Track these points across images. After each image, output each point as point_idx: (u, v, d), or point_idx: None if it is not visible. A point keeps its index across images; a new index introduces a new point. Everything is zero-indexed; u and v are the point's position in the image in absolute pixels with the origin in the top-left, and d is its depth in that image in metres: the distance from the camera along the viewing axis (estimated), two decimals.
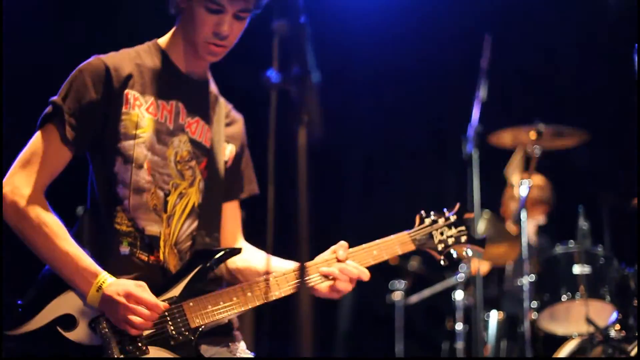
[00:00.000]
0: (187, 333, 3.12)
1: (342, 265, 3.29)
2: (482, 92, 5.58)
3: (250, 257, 3.54)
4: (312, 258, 3.31)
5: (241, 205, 3.74)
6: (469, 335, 7.02)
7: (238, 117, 3.68)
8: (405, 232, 3.46)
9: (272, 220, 2.32)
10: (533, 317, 5.93)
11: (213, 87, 3.58)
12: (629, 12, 7.37)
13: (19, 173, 3.18)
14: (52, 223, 3.14)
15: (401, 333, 7.75)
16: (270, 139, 2.31)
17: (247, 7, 3.26)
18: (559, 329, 6.00)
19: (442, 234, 3.50)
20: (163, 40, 3.48)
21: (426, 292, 7.81)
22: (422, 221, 3.51)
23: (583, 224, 6.15)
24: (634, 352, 5.23)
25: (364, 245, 3.40)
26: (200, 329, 3.15)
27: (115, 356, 3.01)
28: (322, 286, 3.30)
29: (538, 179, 7.21)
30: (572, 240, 6.14)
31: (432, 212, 3.54)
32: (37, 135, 3.23)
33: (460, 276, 7.15)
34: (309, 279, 3.26)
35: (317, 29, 2.36)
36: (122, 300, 3.02)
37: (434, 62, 8.16)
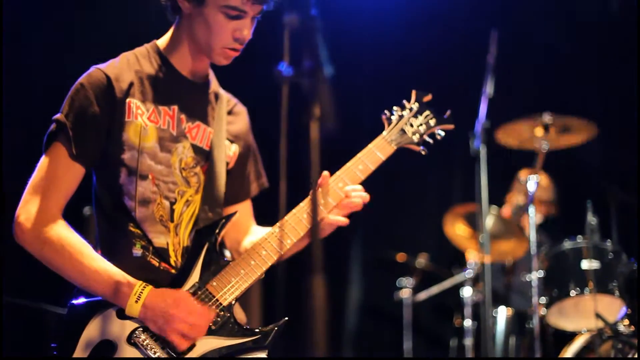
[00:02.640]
0: (222, 312, 3.12)
1: (347, 189, 3.36)
2: (489, 88, 5.56)
3: (258, 236, 3.48)
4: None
5: (252, 201, 3.73)
6: (478, 332, 7.02)
7: (241, 111, 3.65)
8: (379, 137, 3.50)
9: (284, 215, 2.31)
10: (542, 313, 5.91)
11: (214, 85, 3.54)
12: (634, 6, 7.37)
13: (32, 199, 3.12)
14: (75, 243, 3.10)
15: (409, 330, 7.73)
16: (282, 133, 2.30)
17: (264, 9, 3.24)
18: (568, 325, 5.98)
19: (411, 125, 3.56)
20: (162, 43, 3.43)
21: (434, 289, 7.79)
22: (389, 121, 3.55)
23: (591, 219, 6.14)
24: None
25: (348, 164, 3.41)
26: (233, 304, 3.15)
27: None
28: (328, 218, 3.34)
29: (542, 179, 7.20)
30: (580, 236, 6.12)
31: (394, 109, 3.58)
32: (45, 157, 3.18)
33: (468, 272, 7.15)
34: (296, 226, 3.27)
35: (328, 22, 2.35)
36: (175, 312, 3.00)
37: (441, 57, 8.14)
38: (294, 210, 3.27)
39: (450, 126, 3.64)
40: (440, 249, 8.06)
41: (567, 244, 6.07)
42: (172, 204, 3.27)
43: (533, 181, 5.97)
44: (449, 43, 8.14)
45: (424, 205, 8.61)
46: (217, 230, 3.27)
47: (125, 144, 3.20)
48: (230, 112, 3.58)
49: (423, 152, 3.57)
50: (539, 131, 6.22)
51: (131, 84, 3.25)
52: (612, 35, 7.89)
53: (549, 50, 8.22)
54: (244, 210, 3.65)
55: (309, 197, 3.24)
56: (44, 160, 3.18)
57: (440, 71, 8.15)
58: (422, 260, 7.85)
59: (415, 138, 3.55)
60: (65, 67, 3.32)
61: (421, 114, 3.60)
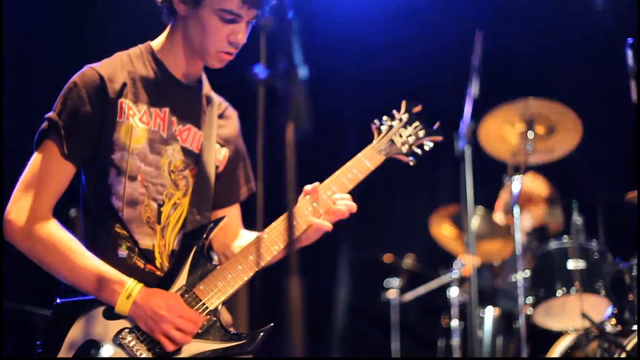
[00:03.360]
0: (209, 316, 3.13)
1: (334, 197, 3.36)
2: (473, 89, 5.56)
3: (246, 241, 3.51)
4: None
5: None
6: (465, 332, 7.03)
7: (232, 115, 3.66)
8: (369, 147, 3.51)
9: (262, 216, 2.32)
10: (528, 313, 5.92)
11: (206, 88, 3.55)
12: (618, 8, 7.38)
13: (22, 197, 3.14)
14: (66, 240, 3.11)
15: (397, 331, 7.74)
16: (258, 135, 2.30)
17: (259, 13, 3.24)
18: (554, 324, 5.99)
19: (401, 136, 3.58)
20: (156, 44, 3.44)
21: (421, 290, 7.80)
22: (379, 131, 3.57)
23: (577, 218, 6.15)
24: (630, 346, 5.23)
25: (337, 172, 3.42)
26: (219, 308, 3.15)
27: None
28: (314, 223, 3.33)
29: (535, 180, 7.20)
30: (566, 236, 6.13)
31: (383, 118, 3.60)
32: (36, 155, 3.19)
33: (455, 273, 7.16)
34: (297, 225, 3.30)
35: (305, 24, 2.35)
36: (164, 313, 3.01)
37: (425, 58, 8.14)
38: (282, 217, 3.27)
39: (439, 138, 3.67)
40: (427, 250, 8.06)
41: (553, 244, 6.08)
42: (160, 206, 3.28)
43: (517, 182, 5.96)
44: (433, 43, 8.15)
45: (411, 206, 8.63)
46: (204, 234, 3.28)
47: (116, 144, 3.21)
48: (221, 116, 3.59)
49: (411, 163, 3.61)
50: (521, 128, 6.18)
51: (124, 85, 3.26)
52: (598, 34, 7.91)
53: (534, 51, 8.23)
54: (232, 214, 3.65)
55: (295, 204, 3.30)
56: (35, 158, 3.19)
57: (424, 71, 8.15)
58: (409, 261, 7.86)
59: (404, 149, 3.58)
60: (64, 67, 3.31)
61: (410, 125, 3.63)
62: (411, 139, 3.59)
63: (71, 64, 3.35)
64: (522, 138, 6.16)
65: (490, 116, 6.19)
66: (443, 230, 7.38)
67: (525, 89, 7.05)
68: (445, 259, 7.60)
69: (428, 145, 3.63)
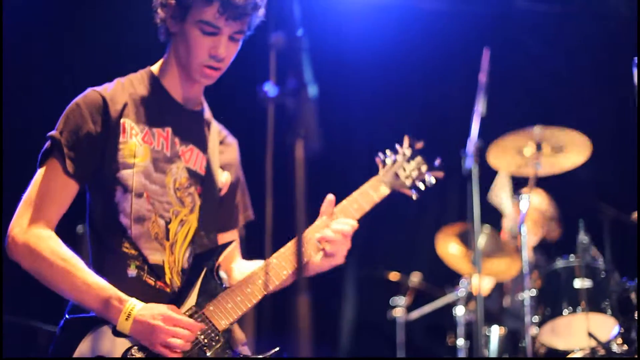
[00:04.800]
0: (217, 337, 3.14)
1: (334, 227, 3.36)
2: (481, 107, 5.56)
3: (249, 266, 3.57)
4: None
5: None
6: (471, 351, 7.00)
7: (232, 143, 3.69)
8: (374, 178, 3.57)
9: (270, 234, 2.32)
10: (534, 332, 5.91)
11: (207, 114, 3.58)
12: (627, 24, 7.39)
13: (25, 214, 3.16)
14: (67, 257, 3.11)
15: (402, 349, 7.72)
16: (267, 153, 2.31)
17: (242, 28, 3.28)
18: (560, 344, 5.97)
19: (404, 169, 3.63)
20: (156, 68, 3.48)
21: (427, 308, 7.78)
22: (384, 164, 3.62)
23: (583, 237, 6.14)
24: None
25: (344, 202, 3.46)
26: (228, 330, 3.17)
27: None
28: (316, 258, 3.37)
29: (540, 197, 7.21)
30: (572, 254, 6.12)
31: (387, 152, 3.65)
32: (39, 173, 3.21)
33: (461, 291, 7.14)
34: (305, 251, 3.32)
35: (315, 42, 2.36)
36: (159, 324, 3.01)
37: (433, 76, 8.16)
38: (290, 242, 3.30)
39: (441, 174, 3.73)
40: (433, 268, 8.04)
41: (560, 263, 6.07)
42: (167, 223, 3.29)
43: (525, 200, 5.96)
44: (441, 62, 8.16)
45: (417, 224, 8.61)
46: (215, 256, 3.31)
47: (120, 162, 3.22)
48: (221, 142, 3.61)
49: (414, 197, 3.67)
50: (529, 150, 6.20)
51: (125, 105, 3.29)
52: (606, 52, 7.91)
53: (542, 69, 8.24)
54: (230, 239, 3.65)
55: (307, 231, 3.34)
56: (38, 175, 3.21)
57: (432, 90, 8.17)
58: (415, 279, 7.84)
59: (408, 182, 3.64)
60: (65, 82, 3.35)
61: (413, 159, 3.69)
62: (414, 174, 3.65)
63: (73, 83, 3.37)
64: (530, 158, 6.18)
65: (497, 144, 6.22)
66: (450, 249, 7.37)
67: (533, 107, 7.07)
68: (452, 278, 7.58)
69: (430, 181, 3.69)
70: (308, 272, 3.38)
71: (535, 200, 7.11)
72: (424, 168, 3.68)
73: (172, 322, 3.03)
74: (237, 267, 3.63)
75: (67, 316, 3.16)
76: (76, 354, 3.03)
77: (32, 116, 6.08)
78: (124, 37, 6.61)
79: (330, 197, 3.42)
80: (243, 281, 3.26)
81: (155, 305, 3.08)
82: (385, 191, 3.55)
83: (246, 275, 3.31)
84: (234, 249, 3.69)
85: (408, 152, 3.67)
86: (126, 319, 3.02)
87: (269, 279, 3.25)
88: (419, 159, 3.69)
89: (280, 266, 3.27)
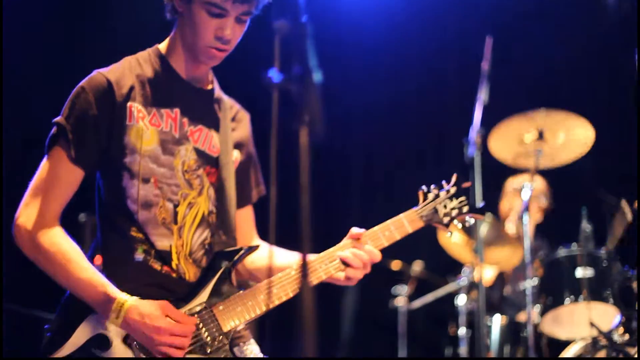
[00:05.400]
0: (221, 337, 3.15)
1: (354, 250, 3.34)
2: (483, 95, 5.55)
3: (268, 255, 3.55)
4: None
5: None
6: (472, 340, 7.01)
7: (244, 117, 3.66)
8: (412, 210, 3.52)
9: (275, 221, 2.31)
10: (536, 321, 5.91)
11: (217, 91, 3.55)
12: (630, 13, 7.36)
13: (31, 202, 3.16)
14: (67, 250, 3.12)
15: (404, 338, 7.73)
16: (272, 139, 2.30)
17: (249, 10, 3.24)
18: (562, 333, 5.98)
19: (445, 206, 3.57)
20: (163, 46, 3.45)
21: (429, 297, 7.79)
22: (425, 197, 3.57)
23: (586, 226, 6.14)
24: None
25: (376, 228, 3.44)
26: (232, 332, 3.18)
27: None
28: (339, 274, 3.35)
29: (540, 184, 7.19)
30: (575, 243, 6.12)
31: (432, 186, 3.60)
32: (45, 160, 3.21)
33: (463, 280, 7.14)
34: (328, 267, 3.32)
35: (318, 29, 2.35)
36: (155, 337, 3.01)
37: (435, 64, 8.16)
38: (321, 255, 3.32)
39: (481, 217, 3.70)
40: (435, 257, 8.04)
41: (562, 252, 6.07)
42: (176, 206, 3.29)
43: (527, 189, 5.96)
44: (443, 49, 8.15)
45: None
46: (235, 258, 3.32)
47: (127, 147, 3.22)
48: (233, 119, 3.59)
49: (448, 235, 3.64)
50: (530, 137, 6.20)
51: (132, 88, 3.27)
52: (608, 40, 7.90)
53: (544, 57, 8.22)
54: (245, 216, 3.67)
55: (331, 250, 3.35)
56: (44, 163, 3.22)
57: (434, 78, 8.15)
58: (417, 268, 7.85)
59: (445, 220, 3.57)
60: (67, 69, 3.33)
61: (457, 198, 3.61)
62: (454, 212, 3.58)
63: (78, 67, 3.36)
64: (533, 144, 6.17)
65: (499, 127, 6.20)
66: (451, 238, 7.36)
67: (535, 95, 7.04)
68: (454, 267, 7.58)
69: (469, 222, 3.63)
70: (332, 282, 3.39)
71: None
72: (465, 209, 3.60)
73: (170, 332, 3.03)
74: (251, 258, 3.58)
75: (68, 295, 3.18)
76: (80, 329, 3.06)
77: (36, 100, 6.08)
78: (130, 15, 6.60)
79: (362, 230, 3.42)
80: (258, 287, 3.26)
81: (144, 305, 3.06)
82: (419, 224, 3.51)
83: (263, 282, 3.32)
84: (249, 227, 3.69)
85: (453, 190, 3.60)
86: (116, 317, 3.03)
87: (285, 290, 3.24)
88: (462, 198, 3.61)
89: (298, 279, 3.22)
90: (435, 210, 3.55)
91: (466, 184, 3.64)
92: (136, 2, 6.53)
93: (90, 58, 3.41)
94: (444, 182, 3.63)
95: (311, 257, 3.31)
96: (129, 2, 6.75)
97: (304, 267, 2.02)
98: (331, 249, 3.34)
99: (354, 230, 3.40)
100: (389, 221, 3.47)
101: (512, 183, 7.26)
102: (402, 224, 3.47)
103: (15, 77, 6.08)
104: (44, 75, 6.37)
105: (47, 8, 6.53)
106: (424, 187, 3.59)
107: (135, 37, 3.78)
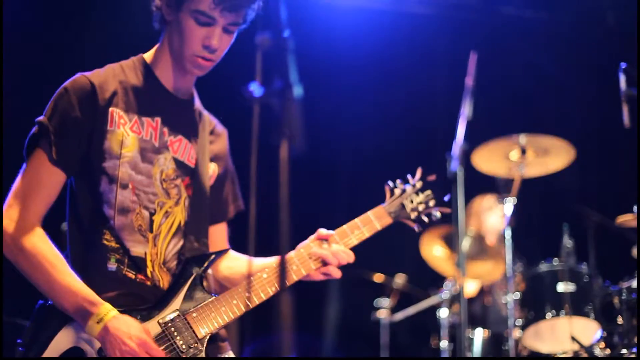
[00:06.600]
0: (195, 344, 3.15)
1: (334, 249, 3.37)
2: (467, 110, 5.57)
3: (236, 264, 3.57)
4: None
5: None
6: (454, 353, 7.01)
7: (222, 132, 3.66)
8: (379, 206, 3.54)
9: (254, 234, 2.32)
10: (517, 335, 5.93)
11: (197, 104, 3.55)
12: (613, 30, 7.42)
13: (13, 205, 3.15)
14: (48, 255, 3.10)
15: (386, 351, 7.73)
16: (252, 153, 2.31)
17: (236, 20, 3.26)
18: (543, 347, 6.00)
19: (412, 201, 3.60)
20: (148, 56, 3.45)
21: (411, 310, 7.79)
22: (392, 192, 3.60)
23: (567, 242, 6.17)
24: None
25: (344, 227, 3.47)
26: (207, 338, 3.17)
27: None
28: (314, 271, 3.39)
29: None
30: (556, 258, 6.15)
31: (398, 181, 3.63)
32: (27, 163, 3.21)
33: (445, 294, 7.15)
34: (300, 266, 3.35)
35: (301, 44, 2.37)
36: (134, 347, 3.00)
37: (419, 79, 8.17)
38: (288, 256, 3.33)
39: (448, 210, 3.70)
40: (417, 270, 8.05)
41: (543, 267, 6.10)
42: (152, 214, 3.28)
43: (510, 204, 5.99)
44: (427, 65, 8.18)
45: (402, 225, 8.62)
46: (205, 264, 3.32)
47: (107, 152, 3.21)
48: (211, 132, 3.59)
49: (417, 230, 3.65)
50: (514, 155, 6.24)
51: (114, 93, 3.27)
52: (592, 58, 7.95)
53: (528, 73, 8.27)
54: (219, 232, 3.67)
55: (300, 247, 3.38)
56: (26, 165, 3.21)
57: (418, 93, 8.18)
58: (399, 281, 7.85)
59: (413, 215, 3.60)
60: (62, 72, 3.33)
61: (422, 192, 3.64)
62: (421, 207, 3.61)
63: (68, 70, 3.36)
64: (516, 161, 6.22)
65: (481, 150, 6.24)
66: (434, 251, 7.38)
67: (518, 113, 7.08)
68: (436, 280, 7.59)
69: (436, 215, 3.65)
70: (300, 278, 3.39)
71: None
72: (432, 202, 3.63)
73: (146, 349, 3.02)
74: (226, 264, 3.61)
75: (49, 302, 3.14)
76: (54, 342, 3.05)
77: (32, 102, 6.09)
78: (119, 23, 6.60)
79: (331, 232, 3.44)
80: (230, 292, 3.26)
81: (130, 323, 3.05)
82: (388, 220, 3.54)
83: (234, 287, 3.30)
84: (222, 243, 3.67)
85: (419, 184, 3.63)
86: (97, 322, 3.01)
87: (256, 293, 3.25)
88: (428, 192, 3.64)
89: (269, 281, 3.27)
90: (403, 206, 3.58)
91: (431, 177, 3.67)
92: (122, 12, 6.53)
93: (78, 64, 3.41)
94: (409, 177, 3.65)
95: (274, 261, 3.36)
96: (116, 12, 6.75)
97: (282, 272, 2.03)
98: (301, 248, 3.38)
99: (322, 231, 3.42)
100: (357, 220, 3.49)
101: (481, 203, 7.31)
102: (371, 222, 3.50)
103: (15, 77, 6.08)
104: (44, 74, 6.38)
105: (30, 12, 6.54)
106: (389, 182, 3.62)
107: (122, 47, 3.78)
